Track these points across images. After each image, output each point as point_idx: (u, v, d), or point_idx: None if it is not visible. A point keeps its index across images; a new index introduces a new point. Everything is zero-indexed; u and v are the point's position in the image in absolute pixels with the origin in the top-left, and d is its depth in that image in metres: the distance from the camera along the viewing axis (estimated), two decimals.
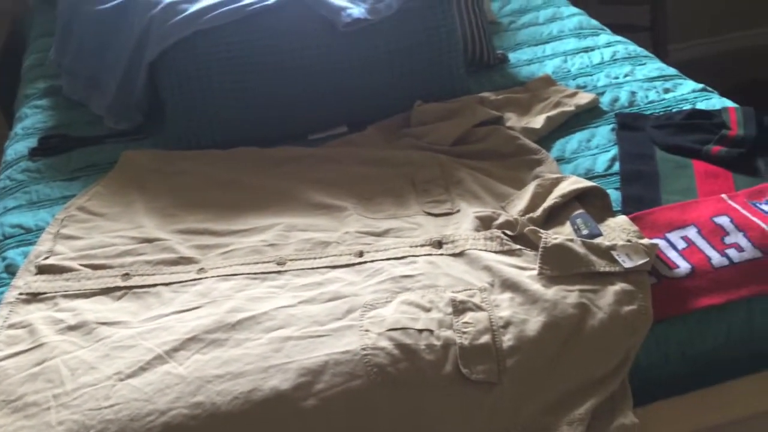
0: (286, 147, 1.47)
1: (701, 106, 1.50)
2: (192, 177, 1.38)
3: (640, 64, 1.69)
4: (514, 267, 1.09)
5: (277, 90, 1.49)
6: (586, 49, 1.78)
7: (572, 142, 1.45)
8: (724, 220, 1.13)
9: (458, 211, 1.25)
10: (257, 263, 1.16)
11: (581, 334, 0.99)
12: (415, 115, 1.50)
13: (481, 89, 1.61)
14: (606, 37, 1.84)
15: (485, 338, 0.98)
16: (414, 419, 0.93)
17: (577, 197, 1.21)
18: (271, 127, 1.51)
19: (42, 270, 1.17)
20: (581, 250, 1.07)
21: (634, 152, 1.35)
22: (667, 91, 1.57)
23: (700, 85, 1.58)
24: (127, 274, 1.15)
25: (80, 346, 1.02)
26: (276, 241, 1.20)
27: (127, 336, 1.03)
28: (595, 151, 1.41)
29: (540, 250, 1.09)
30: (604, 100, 1.56)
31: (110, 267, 1.17)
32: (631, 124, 1.45)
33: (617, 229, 1.13)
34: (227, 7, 1.52)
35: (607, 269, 1.05)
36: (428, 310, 1.03)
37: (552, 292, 1.03)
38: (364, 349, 0.97)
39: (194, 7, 1.52)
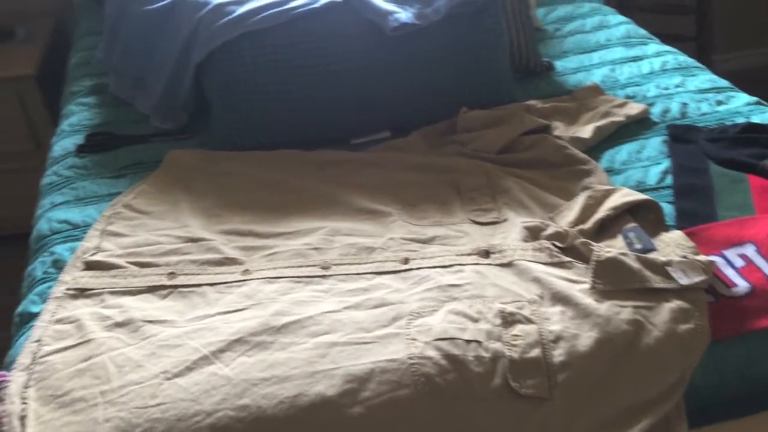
0: (329, 150, 1.46)
1: (756, 119, 1.46)
2: (237, 178, 1.38)
3: (690, 75, 1.65)
4: (565, 280, 1.07)
5: (321, 93, 1.48)
6: (635, 59, 1.75)
7: (622, 153, 1.43)
8: None
9: (505, 220, 1.23)
10: (301, 266, 1.15)
11: (635, 352, 0.97)
12: (460, 121, 1.48)
13: (526, 97, 1.59)
14: (655, 46, 1.81)
15: (536, 352, 0.96)
16: None
17: (629, 210, 1.18)
18: (314, 130, 1.51)
19: (89, 266, 1.18)
20: (635, 264, 1.05)
21: (688, 165, 1.32)
22: (719, 103, 1.54)
23: (755, 98, 1.54)
24: (172, 273, 1.15)
25: (127, 343, 1.02)
26: (320, 244, 1.20)
27: (174, 335, 1.03)
28: (646, 162, 1.38)
29: (592, 263, 1.06)
30: (655, 111, 1.53)
31: (156, 265, 1.18)
32: (683, 137, 1.41)
33: (672, 245, 1.10)
34: (274, 10, 1.52)
35: (663, 286, 1.03)
36: (476, 320, 1.01)
37: (605, 308, 1.00)
38: (411, 358, 0.96)
39: (241, 9, 1.52)
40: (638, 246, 1.10)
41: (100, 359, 1.00)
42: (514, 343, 0.98)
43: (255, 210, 1.30)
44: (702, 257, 1.06)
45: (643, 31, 1.90)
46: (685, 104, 1.54)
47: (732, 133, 1.39)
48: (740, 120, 1.46)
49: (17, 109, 2.03)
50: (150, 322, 1.06)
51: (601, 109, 1.52)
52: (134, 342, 1.02)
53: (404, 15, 1.48)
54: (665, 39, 1.93)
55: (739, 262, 1.08)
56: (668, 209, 1.23)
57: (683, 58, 1.74)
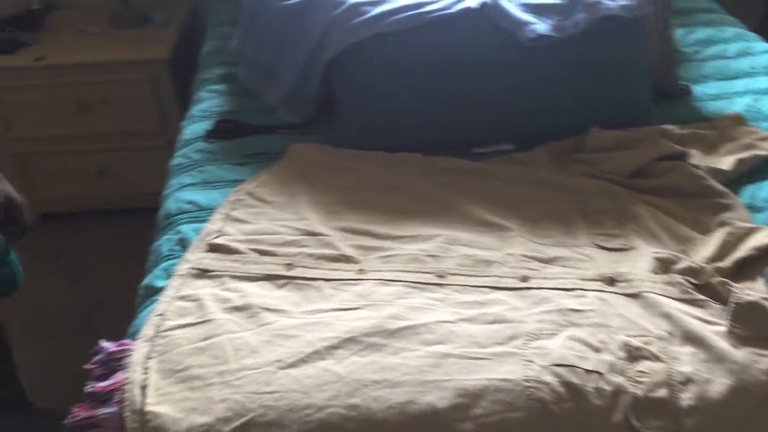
0: (450, 158, 1.45)
1: None
2: (358, 176, 1.39)
3: None
4: (698, 319, 1.00)
5: (450, 99, 1.47)
6: None
7: (764, 189, 1.33)
8: None
9: (633, 248, 1.17)
10: (417, 272, 1.14)
11: None
12: (590, 140, 1.42)
13: (661, 120, 1.51)
14: None
15: (662, 392, 0.91)
16: None
17: None
18: (437, 135, 1.49)
19: (212, 248, 1.22)
20: None
21: None
22: None
23: None
24: (290, 264, 1.17)
25: (244, 327, 1.04)
26: (437, 252, 1.18)
27: (289, 325, 1.04)
28: None
29: (731, 305, 0.99)
30: None
31: (275, 254, 1.20)
32: None
33: None
34: (409, 12, 1.52)
35: None
36: (598, 350, 0.97)
37: (742, 354, 0.94)
38: (526, 380, 0.93)
39: (376, 10, 1.53)
40: None
41: (218, 340, 1.02)
42: (639, 379, 0.93)
43: (373, 210, 1.30)
44: None
45: None
46: None
47: None
48: None
49: (149, 90, 2.14)
50: (267, 309, 1.08)
51: (743, 140, 1.43)
52: (251, 327, 1.04)
53: (542, 26, 1.44)
54: None
55: None
56: None
57: None
